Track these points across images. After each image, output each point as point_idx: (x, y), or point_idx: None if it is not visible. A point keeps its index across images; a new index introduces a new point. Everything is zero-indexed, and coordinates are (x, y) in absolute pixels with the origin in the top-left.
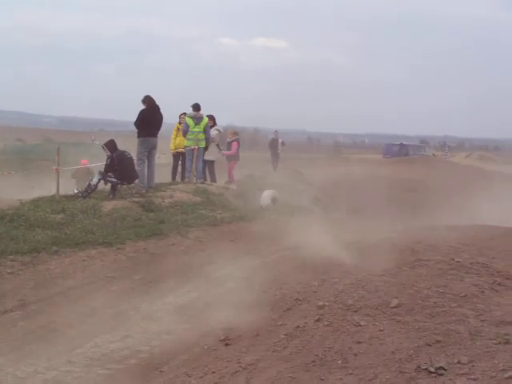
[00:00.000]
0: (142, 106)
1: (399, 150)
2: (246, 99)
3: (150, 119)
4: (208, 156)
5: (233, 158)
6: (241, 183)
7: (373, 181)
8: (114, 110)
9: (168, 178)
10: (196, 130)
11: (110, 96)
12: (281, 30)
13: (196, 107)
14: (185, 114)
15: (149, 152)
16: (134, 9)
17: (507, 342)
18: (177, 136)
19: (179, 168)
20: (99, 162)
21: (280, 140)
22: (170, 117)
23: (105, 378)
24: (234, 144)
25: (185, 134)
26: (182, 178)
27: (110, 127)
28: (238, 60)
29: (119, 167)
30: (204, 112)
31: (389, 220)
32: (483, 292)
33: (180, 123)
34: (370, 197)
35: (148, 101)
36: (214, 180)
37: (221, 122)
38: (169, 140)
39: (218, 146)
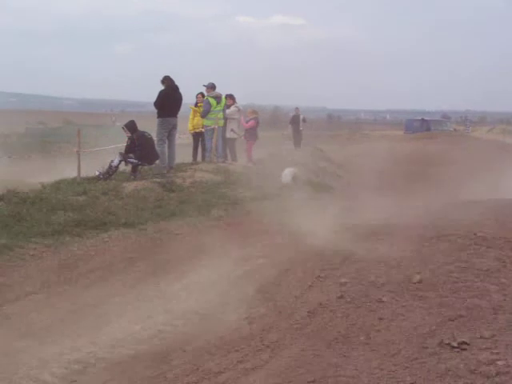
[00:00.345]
0: (161, 87)
1: (420, 126)
2: (264, 77)
3: (169, 99)
4: (228, 134)
5: (251, 138)
6: (262, 161)
7: (394, 157)
8: (135, 90)
9: (189, 159)
10: (218, 109)
11: (129, 77)
12: (298, 6)
13: (213, 86)
14: (201, 93)
15: (169, 132)
16: None
17: None
18: (195, 116)
19: (199, 148)
20: (120, 144)
21: (301, 116)
22: (188, 97)
23: (129, 358)
24: (251, 122)
25: (206, 114)
26: (203, 157)
27: (131, 108)
28: (255, 38)
29: (139, 148)
30: (222, 91)
31: (411, 196)
32: (505, 266)
33: (197, 103)
34: (391, 173)
35: (167, 81)
36: (234, 159)
37: (240, 100)
38: (187, 120)
39: (239, 125)
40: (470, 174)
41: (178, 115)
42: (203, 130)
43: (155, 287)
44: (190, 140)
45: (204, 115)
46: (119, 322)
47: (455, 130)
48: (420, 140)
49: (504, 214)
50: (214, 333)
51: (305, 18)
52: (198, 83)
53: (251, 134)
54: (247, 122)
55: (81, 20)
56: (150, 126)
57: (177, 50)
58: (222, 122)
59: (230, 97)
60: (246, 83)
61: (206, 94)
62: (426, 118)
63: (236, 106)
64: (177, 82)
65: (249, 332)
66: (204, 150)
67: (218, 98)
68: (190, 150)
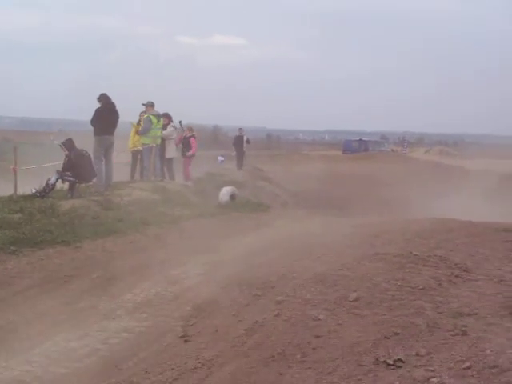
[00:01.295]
0: (98, 105)
1: (359, 146)
2: (205, 97)
3: (105, 117)
4: (167, 154)
5: (189, 155)
6: (200, 180)
7: (332, 177)
8: (74, 109)
9: (128, 177)
10: (158, 127)
11: (69, 95)
12: (239, 27)
13: (153, 105)
14: (144, 112)
15: (106, 150)
16: (92, 7)
17: (464, 334)
18: (135, 134)
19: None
20: (58, 162)
21: (245, 137)
22: (127, 115)
23: (64, 376)
24: (193, 140)
25: (146, 131)
26: (141, 176)
27: (70, 127)
28: (196, 57)
29: (77, 166)
30: (160, 109)
31: (347, 214)
32: (441, 284)
33: (139, 122)
34: (328, 193)
35: (104, 99)
36: (172, 178)
37: (178, 119)
38: (127, 138)
39: (177, 145)
40: (406, 195)
41: (117, 133)
42: (141, 148)
43: (91, 305)
44: (130, 158)
45: (143, 133)
46: (55, 340)
47: (393, 150)
48: (358, 160)
49: (439, 232)
50: (150, 351)
51: (246, 38)
52: (138, 101)
53: (188, 150)
54: (188, 139)
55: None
56: (88, 144)
57: (118, 68)
58: (159, 141)
59: (166, 116)
60: (186, 102)
61: (145, 112)
62: (364, 139)
63: (172, 126)
64: (117, 100)
65: (185, 350)
66: (142, 168)
67: (158, 116)
68: (129, 169)
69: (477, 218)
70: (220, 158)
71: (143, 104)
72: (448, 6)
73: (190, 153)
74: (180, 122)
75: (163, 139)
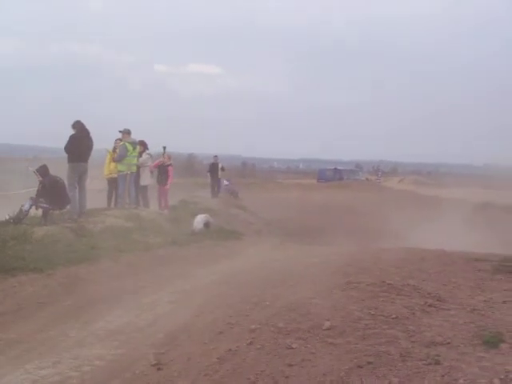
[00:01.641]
0: (73, 131)
1: (333, 175)
2: (181, 125)
3: (80, 144)
4: (142, 181)
5: (166, 183)
6: (174, 208)
7: (306, 206)
8: (49, 136)
9: (103, 204)
10: (133, 154)
11: (44, 122)
12: (215, 56)
13: (129, 132)
14: (120, 139)
15: (80, 177)
16: (68, 35)
17: (437, 363)
18: (111, 161)
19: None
20: (32, 188)
21: (220, 165)
22: (102, 142)
23: None
24: (171, 169)
25: (121, 158)
26: (115, 203)
27: (45, 153)
28: (172, 86)
29: (51, 192)
30: (136, 137)
31: (321, 243)
32: (414, 313)
33: (115, 148)
34: (302, 221)
35: (78, 126)
36: (147, 205)
37: (155, 148)
38: (101, 165)
39: (151, 172)
40: (380, 224)
41: (92, 161)
42: (117, 175)
43: (63, 332)
44: (103, 185)
45: (119, 160)
46: (26, 368)
47: (367, 179)
48: (332, 189)
49: (412, 262)
50: (122, 379)
51: (221, 67)
52: (113, 128)
53: (165, 178)
54: (166, 167)
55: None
56: (62, 171)
57: (94, 95)
58: (134, 168)
59: (142, 143)
60: (161, 130)
61: (122, 139)
62: (338, 168)
63: (148, 153)
64: (92, 127)
65: (157, 378)
66: (116, 195)
67: (134, 143)
68: (103, 196)
69: (450, 247)
70: (225, 182)
71: (120, 131)
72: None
73: (168, 183)
74: (164, 147)
75: (138, 166)
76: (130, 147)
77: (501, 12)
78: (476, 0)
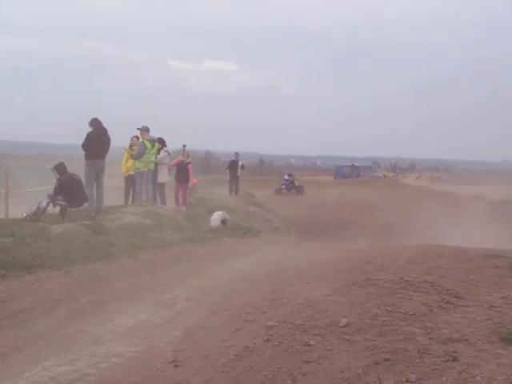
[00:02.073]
0: (90, 129)
1: (350, 172)
2: (197, 122)
3: (97, 142)
4: (159, 178)
5: (186, 181)
6: (191, 205)
7: (323, 203)
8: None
9: (121, 202)
10: (152, 152)
11: (61, 120)
12: (230, 52)
13: (148, 129)
14: (137, 137)
15: (97, 175)
16: (82, 32)
17: (455, 360)
18: (128, 159)
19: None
20: (49, 186)
21: (240, 162)
22: (119, 140)
23: None
24: (190, 167)
25: (140, 156)
26: (133, 200)
27: (61, 151)
28: (187, 82)
29: (68, 190)
30: (154, 134)
31: (338, 240)
32: (431, 310)
33: (131, 146)
34: (320, 219)
35: (95, 123)
36: (164, 202)
37: (172, 145)
38: (119, 163)
39: (169, 170)
40: (398, 221)
41: (108, 158)
42: (133, 173)
43: (80, 330)
44: (121, 183)
45: (137, 157)
46: (43, 365)
47: (385, 176)
48: (350, 186)
49: (430, 258)
50: (139, 376)
51: (237, 63)
52: (130, 126)
53: (185, 176)
54: (186, 165)
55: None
56: (79, 168)
57: (110, 92)
58: (152, 166)
59: (160, 141)
60: (178, 127)
61: (140, 136)
62: (355, 164)
63: (166, 151)
64: (109, 125)
65: (175, 375)
66: (134, 193)
67: (153, 141)
68: (120, 193)
69: (467, 243)
70: (285, 177)
71: (138, 128)
72: (440, 36)
73: (190, 182)
74: (184, 146)
75: (156, 164)
76: (148, 145)
77: None
78: None
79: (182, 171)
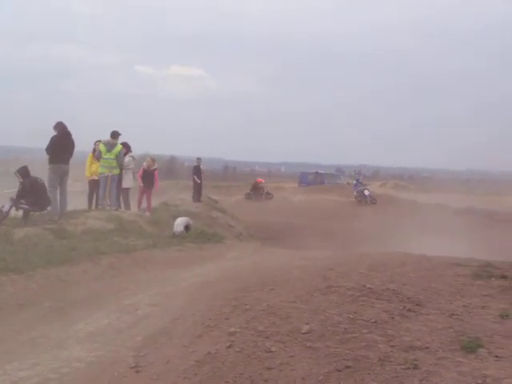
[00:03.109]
0: (54, 133)
1: (314, 179)
2: (163, 126)
3: (61, 145)
4: (124, 183)
5: (151, 186)
6: (155, 210)
7: (288, 209)
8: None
9: (84, 206)
10: (107, 156)
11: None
12: (196, 58)
13: (113, 134)
14: (99, 141)
15: (61, 178)
16: (46, 35)
17: (416, 367)
18: (92, 163)
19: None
20: (13, 189)
21: (202, 167)
22: (86, 144)
23: None
24: (156, 174)
25: (98, 159)
26: (97, 205)
27: (26, 154)
28: (154, 88)
29: (31, 194)
30: (121, 139)
31: (301, 247)
32: (393, 318)
33: (94, 150)
34: (283, 224)
35: (60, 127)
36: (128, 207)
37: (137, 150)
38: (83, 167)
39: (134, 174)
40: (360, 228)
41: (72, 162)
42: (97, 177)
43: (43, 334)
44: (85, 187)
45: (97, 160)
46: (5, 369)
47: (348, 183)
48: (313, 193)
49: (392, 266)
50: (101, 381)
51: (203, 69)
52: (97, 131)
53: (151, 182)
54: (152, 172)
55: None
56: (43, 172)
57: (75, 97)
58: (116, 171)
59: (125, 145)
60: (143, 132)
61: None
62: (320, 172)
63: (131, 156)
64: (74, 129)
65: (136, 381)
66: (97, 197)
67: (110, 145)
68: (84, 198)
69: (429, 252)
70: (366, 192)
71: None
72: (406, 44)
73: (155, 187)
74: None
75: (121, 169)
76: (103, 148)
77: None
78: None
79: (148, 177)
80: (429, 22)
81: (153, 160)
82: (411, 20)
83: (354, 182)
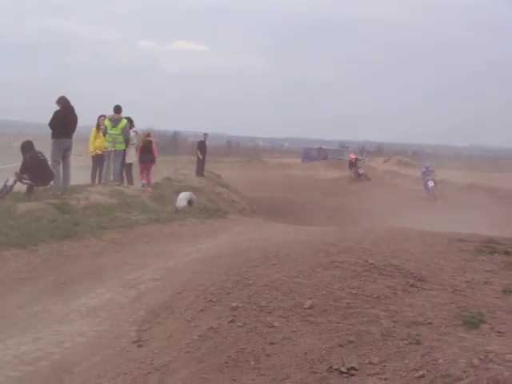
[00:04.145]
0: (57, 107)
1: (318, 154)
2: (166, 102)
3: (64, 120)
4: (127, 159)
5: (150, 161)
6: (158, 186)
7: (290, 185)
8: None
9: (87, 181)
10: (113, 132)
11: (29, 98)
12: (200, 33)
13: (116, 109)
14: (104, 116)
15: (64, 153)
16: (49, 10)
17: (418, 343)
18: (96, 138)
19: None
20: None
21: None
22: (90, 119)
23: (15, 380)
24: (155, 147)
25: (104, 135)
26: (100, 180)
27: (29, 129)
28: (157, 63)
29: (32, 169)
30: (124, 114)
31: (304, 222)
32: (396, 293)
33: (99, 125)
34: (285, 200)
35: (62, 101)
36: (131, 182)
37: (140, 125)
38: (86, 142)
39: (136, 149)
40: (364, 204)
41: (75, 137)
42: (101, 152)
43: (45, 308)
44: (88, 162)
45: (104, 136)
46: (6, 343)
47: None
48: (316, 168)
49: (395, 242)
50: (103, 355)
51: (207, 44)
52: (100, 105)
53: (150, 156)
54: (147, 144)
55: None
56: (46, 146)
57: (79, 72)
58: (120, 146)
59: (128, 120)
60: (146, 107)
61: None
62: (323, 147)
63: (134, 131)
64: (77, 104)
65: (138, 355)
66: (101, 172)
67: (115, 120)
68: (87, 172)
69: (432, 227)
70: (430, 184)
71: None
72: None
73: (155, 160)
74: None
75: (125, 144)
76: (108, 123)
77: None
78: None
79: (145, 151)
80: None
81: (148, 134)
82: None
83: (423, 169)
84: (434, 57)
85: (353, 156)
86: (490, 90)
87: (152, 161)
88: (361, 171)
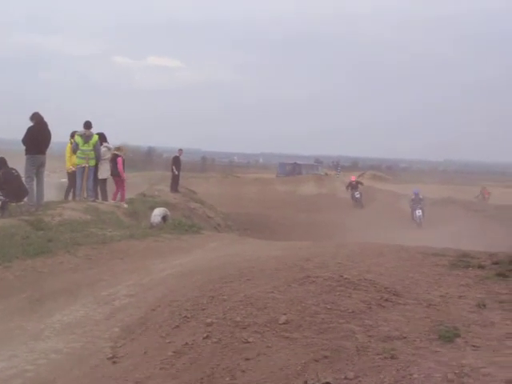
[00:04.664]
0: (31, 123)
1: (292, 169)
2: (141, 117)
3: (38, 136)
4: (100, 174)
5: (116, 175)
6: (132, 201)
7: (264, 200)
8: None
9: (61, 197)
10: (85, 147)
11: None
12: (174, 49)
13: (86, 125)
14: (76, 132)
15: (37, 169)
16: (23, 26)
17: (393, 357)
18: (72, 154)
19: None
20: None
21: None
22: (63, 135)
23: None
24: (119, 160)
25: (75, 151)
26: (74, 196)
27: (3, 145)
28: (131, 78)
29: (6, 185)
30: (95, 130)
31: (279, 238)
32: (370, 308)
33: (71, 142)
34: (260, 216)
35: (36, 117)
36: (105, 198)
37: (115, 141)
38: (60, 158)
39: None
40: (338, 218)
41: (49, 153)
42: (75, 168)
43: (20, 325)
44: (61, 179)
45: (73, 153)
46: None
47: (326, 174)
48: (291, 183)
49: (369, 256)
50: (78, 372)
51: (182, 60)
52: (74, 122)
53: (116, 171)
54: (115, 159)
55: None
56: (20, 162)
57: (53, 87)
58: (93, 162)
59: (101, 135)
60: (121, 123)
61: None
62: (298, 162)
63: (106, 146)
64: (51, 120)
65: (113, 371)
66: (75, 188)
67: (86, 136)
68: (61, 189)
69: (407, 242)
70: (357, 195)
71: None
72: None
73: (122, 174)
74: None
75: (97, 160)
76: (79, 140)
77: None
78: None
79: (113, 165)
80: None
81: (116, 148)
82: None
83: (413, 196)
84: (408, 73)
85: (353, 178)
86: (465, 106)
87: (117, 175)
88: (357, 195)
